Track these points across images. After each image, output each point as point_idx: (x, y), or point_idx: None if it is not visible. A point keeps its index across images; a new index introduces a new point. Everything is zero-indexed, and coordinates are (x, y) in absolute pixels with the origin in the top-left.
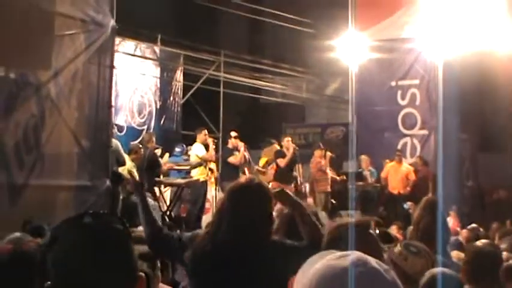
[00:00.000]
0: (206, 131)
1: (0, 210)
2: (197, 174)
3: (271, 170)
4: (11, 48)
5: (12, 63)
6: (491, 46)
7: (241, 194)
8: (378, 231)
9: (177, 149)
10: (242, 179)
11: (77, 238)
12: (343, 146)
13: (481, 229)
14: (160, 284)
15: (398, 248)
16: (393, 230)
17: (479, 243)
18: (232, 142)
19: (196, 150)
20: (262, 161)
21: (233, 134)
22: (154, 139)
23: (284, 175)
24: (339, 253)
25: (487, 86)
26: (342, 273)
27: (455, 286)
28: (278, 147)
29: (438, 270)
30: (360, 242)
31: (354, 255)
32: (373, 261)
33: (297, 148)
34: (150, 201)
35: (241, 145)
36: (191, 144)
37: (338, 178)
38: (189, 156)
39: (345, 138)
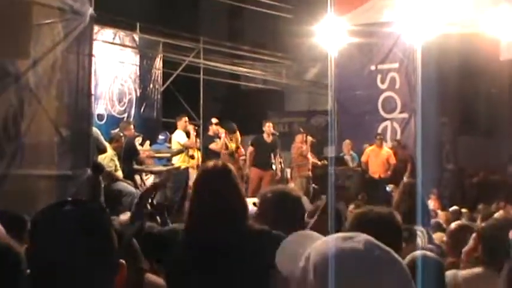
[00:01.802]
0: (186, 118)
1: None
2: (178, 161)
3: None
4: None
5: None
6: (471, 29)
7: (206, 180)
8: None
9: (161, 137)
10: (207, 164)
11: (57, 225)
12: (325, 131)
13: (463, 210)
14: (148, 274)
15: None
16: None
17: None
18: (213, 129)
19: (178, 138)
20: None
21: (214, 120)
22: (132, 127)
23: (263, 161)
24: (341, 234)
25: (467, 69)
26: (352, 255)
27: (437, 268)
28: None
29: (419, 253)
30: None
31: (360, 237)
32: (382, 244)
33: (276, 134)
34: (131, 188)
35: (222, 132)
36: (173, 132)
37: (319, 163)
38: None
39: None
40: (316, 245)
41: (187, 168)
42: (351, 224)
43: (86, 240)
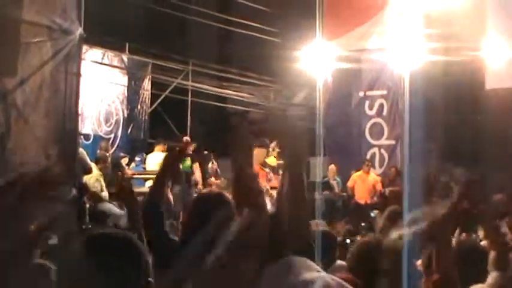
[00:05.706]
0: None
1: None
2: None
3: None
4: None
5: None
6: (458, 56)
7: (201, 205)
8: (348, 241)
9: (137, 158)
10: (203, 191)
11: (95, 254)
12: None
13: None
14: None
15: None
16: None
17: None
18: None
19: (157, 159)
20: (272, 161)
21: (185, 139)
22: (109, 145)
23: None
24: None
25: (454, 97)
26: None
27: None
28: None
29: None
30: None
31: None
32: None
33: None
34: (116, 210)
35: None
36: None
37: None
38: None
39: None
40: None
41: None
42: None
43: (120, 271)
